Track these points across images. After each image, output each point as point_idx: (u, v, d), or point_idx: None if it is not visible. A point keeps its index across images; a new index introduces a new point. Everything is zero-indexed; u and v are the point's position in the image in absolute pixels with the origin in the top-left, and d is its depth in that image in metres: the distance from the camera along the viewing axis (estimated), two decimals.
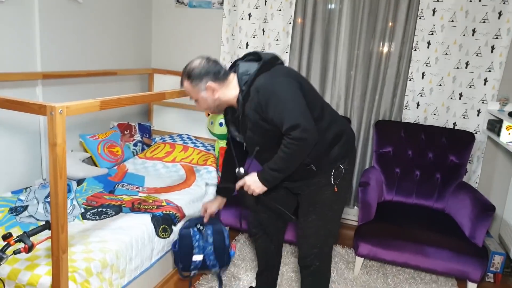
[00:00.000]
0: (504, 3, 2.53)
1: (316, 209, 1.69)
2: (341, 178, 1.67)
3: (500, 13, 2.55)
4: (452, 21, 2.65)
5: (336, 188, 1.66)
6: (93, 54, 2.76)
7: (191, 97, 1.65)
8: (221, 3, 3.14)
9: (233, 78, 1.61)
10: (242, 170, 1.66)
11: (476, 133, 2.71)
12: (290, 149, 1.47)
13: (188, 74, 1.58)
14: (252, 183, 1.58)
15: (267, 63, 1.54)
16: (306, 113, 1.47)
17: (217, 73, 1.57)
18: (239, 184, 1.63)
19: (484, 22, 2.59)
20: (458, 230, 2.32)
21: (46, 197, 2.09)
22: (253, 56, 1.63)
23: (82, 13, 2.61)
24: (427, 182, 2.65)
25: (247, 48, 3.10)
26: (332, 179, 1.65)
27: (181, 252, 2.01)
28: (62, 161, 1.30)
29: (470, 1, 2.59)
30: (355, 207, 3.12)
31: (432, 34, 2.70)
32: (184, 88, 1.63)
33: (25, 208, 2.00)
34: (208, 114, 2.97)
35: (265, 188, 1.59)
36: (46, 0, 2.31)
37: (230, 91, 1.60)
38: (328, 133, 1.61)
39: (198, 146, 3.03)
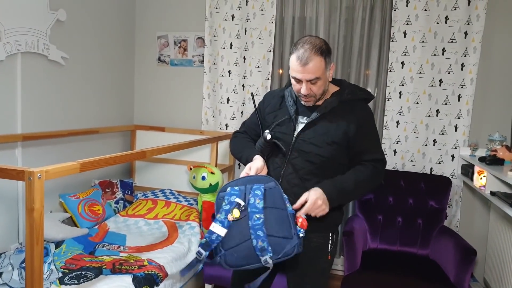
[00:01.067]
0: (465, 56, 2.72)
1: (312, 279, 1.60)
2: (335, 244, 1.63)
3: (462, 65, 2.74)
4: (420, 72, 2.82)
5: (329, 256, 1.61)
6: (75, 113, 2.80)
7: (309, 78, 1.45)
8: (202, 61, 3.28)
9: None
10: (269, 135, 1.50)
11: (452, 177, 2.79)
12: (370, 171, 1.48)
13: (320, 50, 1.44)
14: (319, 199, 1.40)
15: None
16: None
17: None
18: (301, 201, 1.42)
19: (449, 73, 2.77)
20: (443, 276, 2.31)
21: (22, 262, 2.01)
22: None
23: (65, 74, 2.68)
24: (409, 228, 2.67)
25: (228, 103, 3.20)
26: (329, 245, 1.59)
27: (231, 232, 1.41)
28: (39, 227, 1.28)
29: (435, 55, 2.78)
30: (341, 256, 3.09)
31: (402, 85, 2.86)
32: (312, 66, 1.43)
33: None
34: (191, 168, 2.98)
35: (326, 210, 1.42)
36: (28, 64, 2.38)
37: (330, 85, 1.57)
38: None
39: (181, 201, 3.01)
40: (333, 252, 1.64)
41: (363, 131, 1.50)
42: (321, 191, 1.43)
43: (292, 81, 1.52)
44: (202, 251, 1.43)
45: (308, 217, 1.43)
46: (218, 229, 1.38)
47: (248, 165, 1.54)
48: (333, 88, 1.59)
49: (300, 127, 1.55)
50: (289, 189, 1.52)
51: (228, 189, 1.44)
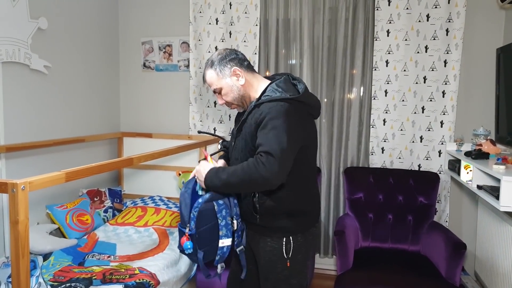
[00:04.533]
0: (447, 53, 2.76)
1: (273, 284, 1.59)
2: (296, 251, 1.57)
3: (445, 62, 2.77)
4: (404, 70, 2.85)
5: (288, 263, 1.56)
6: (60, 122, 2.76)
7: (214, 90, 1.60)
8: (187, 66, 3.27)
9: (262, 80, 1.61)
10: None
11: (440, 173, 2.82)
12: (249, 167, 1.37)
13: (211, 62, 1.58)
14: (202, 170, 1.50)
15: (300, 100, 1.49)
16: (288, 159, 1.40)
17: (242, 60, 1.59)
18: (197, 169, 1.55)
19: (432, 70, 2.80)
20: (435, 271, 2.33)
21: (9, 277, 1.97)
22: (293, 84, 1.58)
23: (48, 82, 2.64)
24: (400, 225, 2.69)
25: (215, 106, 3.19)
26: (284, 252, 1.56)
27: (202, 236, 1.49)
28: (25, 239, 1.26)
29: (418, 52, 2.81)
30: (333, 256, 3.10)
31: (388, 83, 2.89)
32: (208, 79, 1.59)
33: None
34: (179, 174, 2.96)
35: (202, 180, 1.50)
36: (9, 73, 2.34)
37: (256, 86, 1.58)
38: (293, 202, 1.55)
39: (171, 207, 2.98)
40: (294, 260, 1.57)
41: (261, 126, 1.44)
42: (210, 165, 1.52)
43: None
44: (220, 265, 1.57)
45: (259, 223, 1.56)
46: (227, 242, 1.53)
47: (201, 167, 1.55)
48: (264, 87, 1.57)
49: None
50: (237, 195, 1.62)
51: (215, 205, 1.51)
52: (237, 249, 1.59)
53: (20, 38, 2.37)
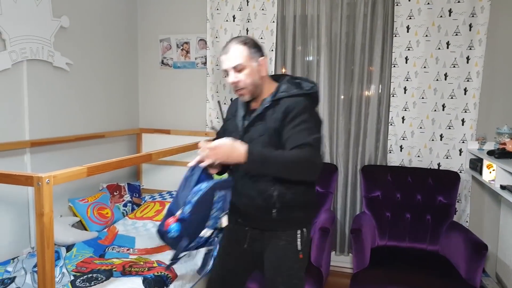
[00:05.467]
0: (470, 49, 2.69)
1: (284, 279, 1.59)
2: (305, 243, 1.61)
3: (468, 58, 2.71)
4: (424, 67, 2.80)
5: (301, 255, 1.59)
6: (81, 118, 2.83)
7: (235, 65, 1.51)
8: (204, 63, 3.29)
9: (272, 80, 1.62)
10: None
11: (460, 172, 2.76)
12: (297, 152, 1.39)
13: (244, 39, 1.54)
14: (224, 146, 1.39)
15: (314, 95, 1.58)
16: (320, 149, 1.49)
17: (266, 57, 1.60)
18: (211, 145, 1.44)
19: (454, 67, 2.74)
20: (454, 272, 2.29)
21: (34, 266, 2.04)
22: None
23: (69, 79, 2.70)
24: (418, 225, 2.65)
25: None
26: (299, 245, 1.58)
27: (192, 222, 1.43)
28: (50, 231, 1.30)
29: (439, 49, 2.76)
30: (350, 254, 3.08)
31: (407, 80, 2.84)
32: (235, 52, 1.51)
33: (12, 279, 1.95)
34: None
35: (230, 159, 1.39)
36: (34, 71, 2.41)
37: (268, 84, 1.59)
38: (306, 194, 1.60)
39: None
40: (305, 252, 1.61)
41: (289, 119, 1.47)
42: (237, 141, 1.41)
43: (226, 78, 1.59)
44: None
45: (275, 217, 1.54)
46: (208, 233, 1.51)
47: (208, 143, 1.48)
48: (273, 86, 1.59)
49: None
50: (242, 192, 1.57)
51: (215, 195, 1.48)
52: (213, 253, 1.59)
53: (43, 36, 2.43)
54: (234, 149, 1.38)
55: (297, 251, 1.59)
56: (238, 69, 1.52)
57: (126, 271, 2.07)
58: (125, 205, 2.98)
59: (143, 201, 3.14)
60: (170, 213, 1.46)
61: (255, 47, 1.55)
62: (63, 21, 2.58)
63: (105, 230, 2.67)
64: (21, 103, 2.35)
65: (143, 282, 1.96)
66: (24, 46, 2.31)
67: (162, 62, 3.44)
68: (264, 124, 1.53)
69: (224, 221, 1.53)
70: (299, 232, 1.59)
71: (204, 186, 1.45)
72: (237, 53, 1.51)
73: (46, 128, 2.52)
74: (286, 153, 1.41)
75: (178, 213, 1.42)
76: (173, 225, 1.40)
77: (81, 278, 1.99)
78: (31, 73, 2.39)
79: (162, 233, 1.46)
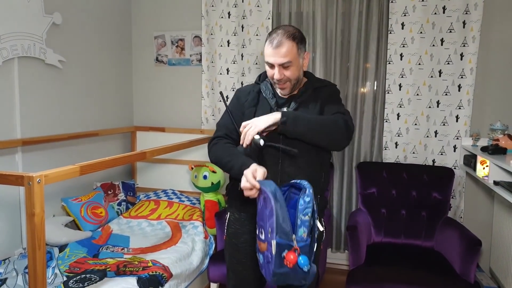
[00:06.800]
0: (464, 46, 2.70)
1: None
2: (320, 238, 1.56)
3: (461, 55, 2.71)
4: (419, 64, 2.80)
5: (321, 245, 1.61)
6: (74, 116, 2.80)
7: (283, 62, 1.47)
8: (199, 60, 3.27)
9: None
10: (262, 141, 1.37)
11: (455, 168, 2.77)
12: (335, 117, 1.47)
13: (294, 35, 1.49)
14: (257, 118, 1.40)
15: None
16: None
17: (308, 51, 1.64)
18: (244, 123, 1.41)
19: (448, 63, 2.75)
20: (449, 267, 2.30)
21: (26, 267, 2.01)
22: None
23: (62, 77, 2.67)
24: (414, 221, 2.65)
25: (227, 101, 3.18)
26: (322, 233, 1.59)
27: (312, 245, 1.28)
28: (41, 232, 1.28)
29: (433, 45, 2.76)
30: (346, 251, 3.08)
31: (402, 77, 2.84)
32: (283, 49, 1.46)
33: (3, 281, 1.92)
34: (192, 168, 2.97)
35: (270, 120, 1.37)
36: (25, 68, 2.37)
37: (302, 75, 1.60)
38: (325, 184, 1.62)
39: (183, 201, 3.01)
40: (324, 242, 1.66)
41: (329, 100, 1.58)
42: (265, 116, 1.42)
43: (266, 67, 1.55)
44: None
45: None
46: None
47: (250, 171, 1.33)
48: (304, 79, 1.63)
49: None
50: (287, 180, 1.46)
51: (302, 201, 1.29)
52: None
53: (35, 33, 2.40)
54: (268, 116, 1.41)
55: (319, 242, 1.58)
56: (286, 65, 1.49)
57: (121, 271, 2.05)
58: (119, 204, 2.95)
59: (138, 200, 3.11)
60: (283, 247, 1.19)
61: (302, 42, 1.53)
62: (55, 17, 2.54)
63: (99, 229, 2.65)
64: (12, 101, 2.32)
65: (138, 282, 1.95)
66: (15, 43, 2.27)
67: (157, 59, 3.41)
68: (306, 109, 1.55)
69: (319, 226, 1.45)
70: (323, 220, 1.60)
71: (308, 199, 1.25)
72: (287, 51, 1.46)
73: (38, 126, 2.49)
74: (322, 116, 1.51)
75: (294, 243, 1.20)
76: (300, 259, 1.19)
77: (74, 278, 1.97)
78: (22, 71, 2.35)
79: (284, 274, 1.20)
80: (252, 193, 1.32)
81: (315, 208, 1.27)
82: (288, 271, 1.19)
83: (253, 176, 1.31)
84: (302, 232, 1.23)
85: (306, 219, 1.24)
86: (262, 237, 1.25)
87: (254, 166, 1.35)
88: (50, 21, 2.50)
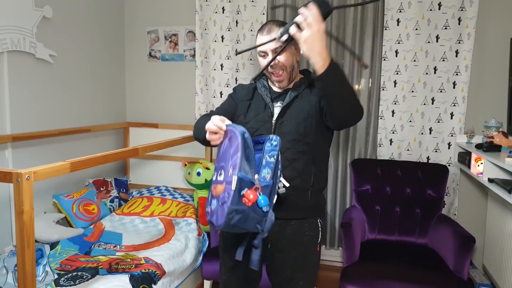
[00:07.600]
0: (459, 43, 2.69)
1: (305, 275, 1.55)
2: (322, 235, 1.60)
3: (457, 52, 2.71)
4: (414, 60, 2.79)
5: (318, 247, 1.58)
6: (66, 112, 2.75)
7: (275, 46, 1.45)
8: (193, 56, 3.23)
9: None
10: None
11: (449, 165, 2.77)
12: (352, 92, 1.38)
13: (282, 23, 1.51)
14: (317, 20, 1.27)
15: None
16: None
17: None
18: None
19: (443, 60, 2.74)
20: (442, 264, 2.30)
21: (16, 265, 1.98)
22: None
23: (53, 72, 2.62)
24: (408, 218, 2.65)
25: (221, 97, 3.16)
26: (319, 236, 1.58)
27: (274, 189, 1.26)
28: (30, 229, 1.25)
29: (429, 42, 2.75)
30: (340, 248, 3.08)
31: (397, 73, 2.83)
32: (274, 32, 1.46)
33: None
34: (185, 164, 2.95)
35: (318, 43, 1.27)
36: (15, 63, 2.33)
37: (297, 69, 1.59)
38: (326, 179, 1.62)
39: (177, 198, 2.98)
40: (321, 243, 1.63)
41: None
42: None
43: (260, 59, 1.54)
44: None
45: (309, 200, 1.51)
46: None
47: (219, 117, 1.31)
48: (299, 75, 1.63)
49: (277, 111, 1.56)
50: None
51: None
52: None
53: (25, 27, 2.35)
54: (323, 39, 1.28)
55: (317, 244, 1.58)
56: (278, 51, 1.45)
57: (113, 269, 2.02)
58: (112, 201, 2.92)
59: (131, 197, 3.08)
60: (245, 184, 1.15)
61: None
62: (46, 11, 2.49)
63: (91, 226, 2.61)
64: (2, 96, 2.27)
65: (130, 279, 1.92)
66: (5, 37, 2.22)
67: (150, 54, 3.37)
68: (303, 102, 1.53)
69: (284, 182, 1.30)
70: (319, 221, 1.59)
71: (274, 143, 1.24)
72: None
73: (29, 122, 2.44)
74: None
75: (256, 180, 1.17)
76: (261, 198, 1.15)
77: (66, 276, 1.94)
78: (12, 65, 2.30)
79: (241, 211, 1.14)
80: (215, 137, 1.29)
81: (279, 159, 1.26)
82: (246, 209, 1.13)
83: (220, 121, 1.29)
84: (266, 173, 1.21)
85: (271, 161, 1.22)
86: (221, 178, 1.21)
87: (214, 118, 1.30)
88: (40, 15, 2.45)
